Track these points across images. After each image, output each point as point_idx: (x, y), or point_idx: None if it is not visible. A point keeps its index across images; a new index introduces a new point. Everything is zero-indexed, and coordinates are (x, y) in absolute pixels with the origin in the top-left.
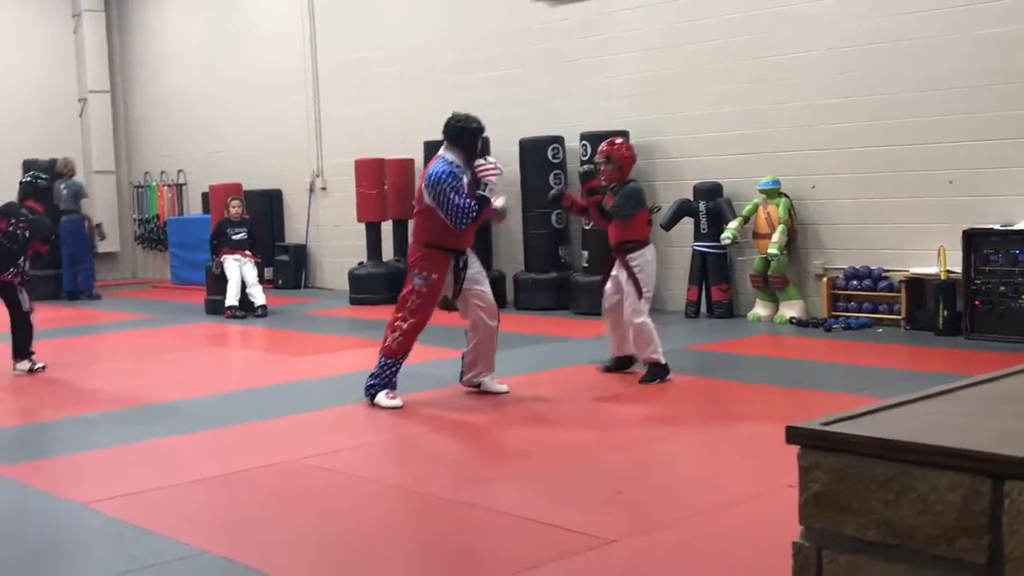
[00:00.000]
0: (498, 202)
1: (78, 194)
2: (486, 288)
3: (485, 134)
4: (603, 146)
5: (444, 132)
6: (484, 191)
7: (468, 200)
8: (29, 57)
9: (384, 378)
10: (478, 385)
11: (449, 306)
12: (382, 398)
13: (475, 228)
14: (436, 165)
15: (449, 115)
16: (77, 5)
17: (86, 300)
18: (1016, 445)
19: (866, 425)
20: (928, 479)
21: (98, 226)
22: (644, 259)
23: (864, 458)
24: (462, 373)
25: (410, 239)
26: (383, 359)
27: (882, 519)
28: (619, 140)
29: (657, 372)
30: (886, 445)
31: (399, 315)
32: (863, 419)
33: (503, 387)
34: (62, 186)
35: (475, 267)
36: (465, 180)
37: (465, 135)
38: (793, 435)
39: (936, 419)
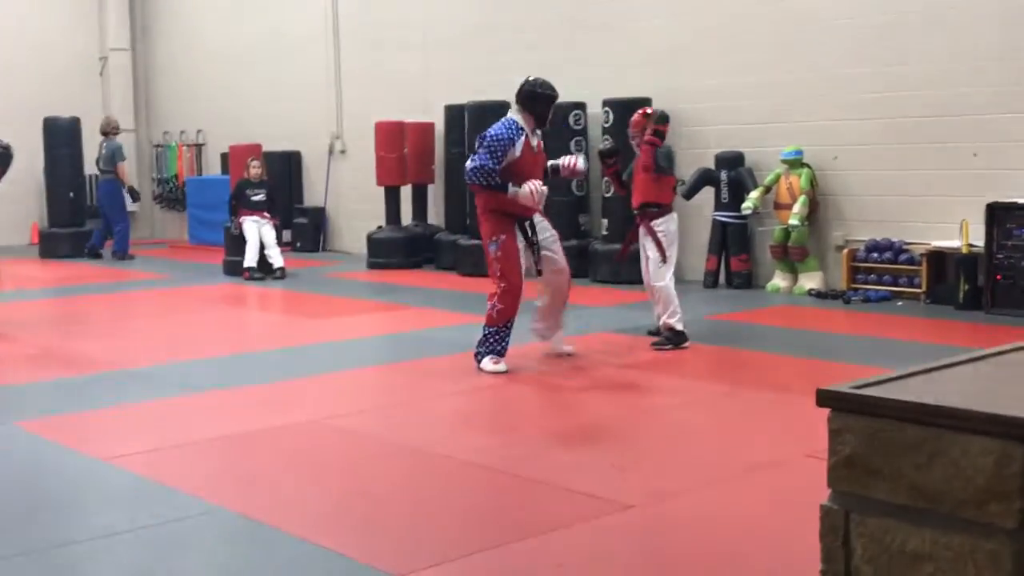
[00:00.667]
0: (579, 163)
1: (115, 155)
2: (557, 252)
3: (507, 100)
4: (636, 116)
5: (517, 96)
6: (548, 178)
7: (495, 167)
8: (50, 15)
9: (490, 345)
10: (547, 340)
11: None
12: (487, 363)
13: (486, 194)
14: (498, 124)
15: (524, 79)
16: None
17: (119, 260)
18: None
19: (897, 389)
20: (960, 443)
21: (130, 188)
22: (668, 225)
23: (896, 422)
24: (534, 320)
25: (478, 211)
26: (487, 327)
27: (912, 483)
28: (648, 109)
29: (672, 338)
30: (919, 409)
31: (495, 287)
32: (894, 383)
33: (569, 347)
34: (103, 145)
35: (546, 233)
36: (520, 145)
37: (539, 102)
38: (824, 398)
39: (968, 385)
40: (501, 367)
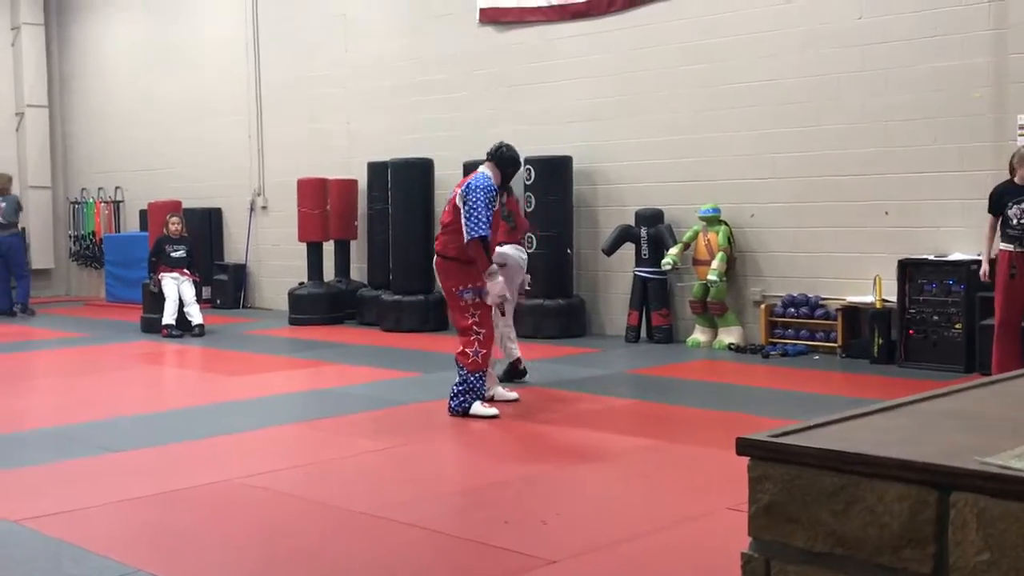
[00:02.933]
0: (495, 282)
1: (17, 209)
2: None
3: (431, 156)
4: None
5: (495, 155)
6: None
7: (488, 224)
8: None
9: (477, 390)
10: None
11: None
12: (479, 408)
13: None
14: (481, 178)
15: (499, 142)
16: (16, 18)
17: (22, 316)
18: (962, 457)
19: (815, 437)
20: (876, 490)
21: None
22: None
23: (813, 469)
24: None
25: (438, 256)
26: (470, 374)
27: (830, 530)
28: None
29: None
30: (835, 456)
31: (471, 335)
32: (812, 432)
33: (512, 395)
34: (1, 202)
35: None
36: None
37: (510, 165)
38: (744, 446)
39: (884, 432)
40: (494, 410)
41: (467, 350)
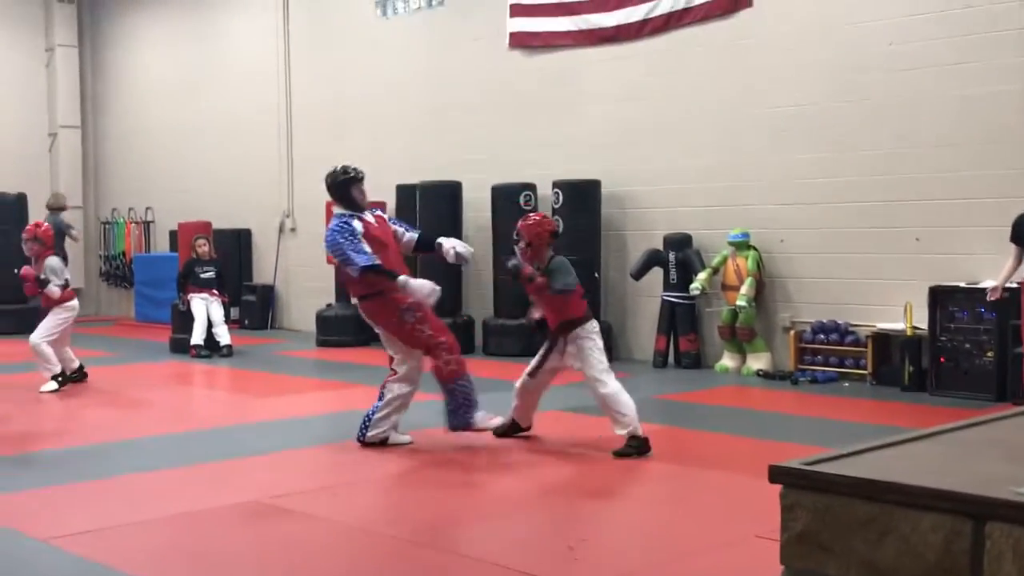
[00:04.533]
0: (417, 286)
1: (60, 229)
2: None
3: (459, 179)
4: (519, 223)
5: (327, 189)
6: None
7: (364, 252)
8: (1, 91)
9: (466, 401)
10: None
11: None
12: (480, 419)
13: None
14: (331, 224)
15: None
16: (51, 40)
17: None
18: (998, 487)
19: (849, 465)
20: (910, 520)
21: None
22: (592, 331)
23: (846, 498)
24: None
25: (360, 304)
26: (453, 383)
27: (863, 559)
28: (534, 217)
29: (635, 445)
30: (869, 485)
31: (436, 347)
32: (845, 460)
33: (405, 438)
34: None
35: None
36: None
37: (340, 187)
38: (776, 474)
39: (919, 461)
40: (496, 421)
41: (439, 364)
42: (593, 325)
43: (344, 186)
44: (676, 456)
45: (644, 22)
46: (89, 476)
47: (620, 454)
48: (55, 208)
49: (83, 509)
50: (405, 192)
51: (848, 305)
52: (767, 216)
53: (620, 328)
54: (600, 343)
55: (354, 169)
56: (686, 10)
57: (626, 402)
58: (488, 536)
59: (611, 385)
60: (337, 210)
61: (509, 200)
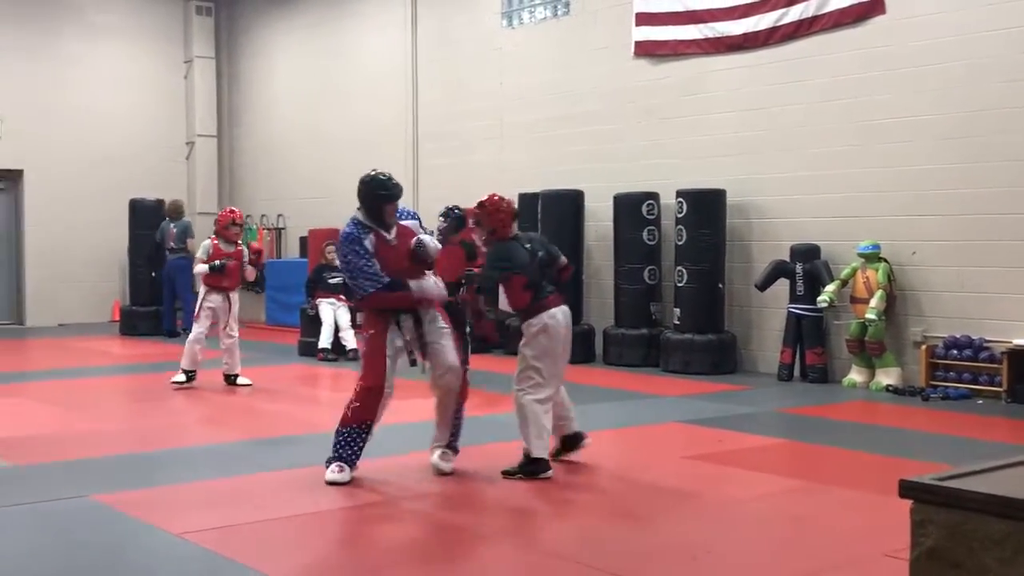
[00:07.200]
0: (426, 288)
1: (186, 233)
2: (446, 347)
3: (581, 188)
4: (474, 209)
5: (358, 191)
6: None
7: (375, 274)
8: (142, 100)
9: (338, 449)
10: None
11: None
12: (330, 472)
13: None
14: (345, 227)
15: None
16: (189, 52)
17: (185, 338)
18: None
19: (982, 482)
20: None
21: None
22: (529, 331)
23: (980, 515)
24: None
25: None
26: (338, 429)
27: None
28: (490, 199)
29: (528, 467)
30: (1004, 502)
31: (356, 386)
32: (979, 476)
33: (447, 466)
34: (172, 226)
35: (435, 323)
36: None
37: (370, 198)
38: (907, 489)
39: None
40: (345, 476)
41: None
42: (530, 324)
43: (377, 200)
44: (801, 471)
45: (773, 30)
46: (218, 474)
47: (507, 473)
48: (174, 214)
49: (212, 506)
50: (527, 200)
51: (983, 320)
52: (898, 227)
53: (744, 340)
54: (534, 344)
55: (393, 185)
56: (816, 17)
57: (534, 415)
58: (603, 544)
59: (526, 395)
60: (358, 216)
61: (631, 210)
